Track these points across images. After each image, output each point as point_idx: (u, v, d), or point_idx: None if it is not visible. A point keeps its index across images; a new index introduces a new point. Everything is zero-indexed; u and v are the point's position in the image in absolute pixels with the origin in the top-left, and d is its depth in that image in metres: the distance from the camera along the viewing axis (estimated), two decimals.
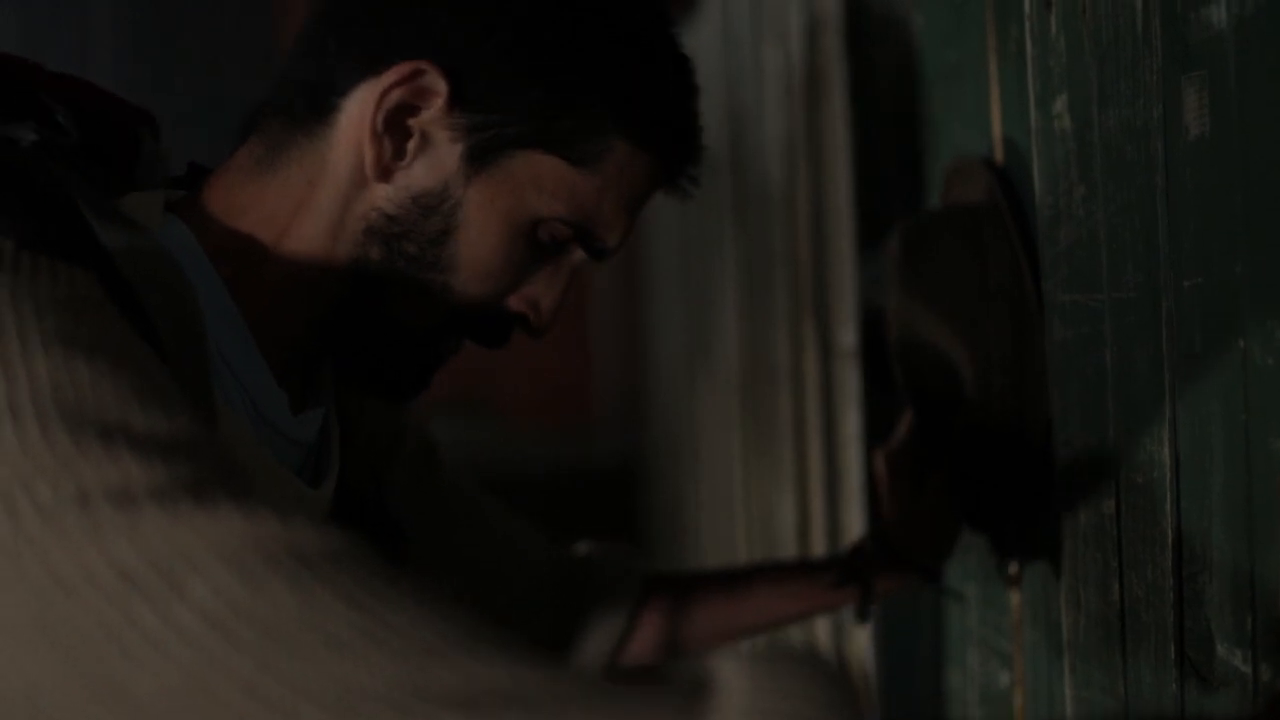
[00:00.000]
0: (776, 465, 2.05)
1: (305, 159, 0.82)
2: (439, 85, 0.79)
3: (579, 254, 0.86)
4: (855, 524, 1.57)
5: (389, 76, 0.79)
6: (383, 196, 0.81)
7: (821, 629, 1.80)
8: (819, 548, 1.79)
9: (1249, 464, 0.71)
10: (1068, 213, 0.93)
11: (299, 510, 0.71)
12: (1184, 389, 0.78)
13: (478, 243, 0.82)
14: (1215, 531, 0.76)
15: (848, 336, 1.57)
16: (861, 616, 1.22)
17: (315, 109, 0.82)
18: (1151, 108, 0.80)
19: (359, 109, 0.80)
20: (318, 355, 0.87)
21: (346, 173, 0.81)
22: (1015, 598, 1.16)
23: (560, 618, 1.16)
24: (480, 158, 0.81)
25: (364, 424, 1.00)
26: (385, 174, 0.81)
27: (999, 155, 1.12)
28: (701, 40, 2.79)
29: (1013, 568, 1.16)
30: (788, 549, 1.99)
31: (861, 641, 1.59)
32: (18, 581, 0.56)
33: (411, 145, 0.80)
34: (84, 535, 0.55)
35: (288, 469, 0.83)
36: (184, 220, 0.81)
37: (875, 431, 1.49)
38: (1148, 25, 0.80)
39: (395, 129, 0.80)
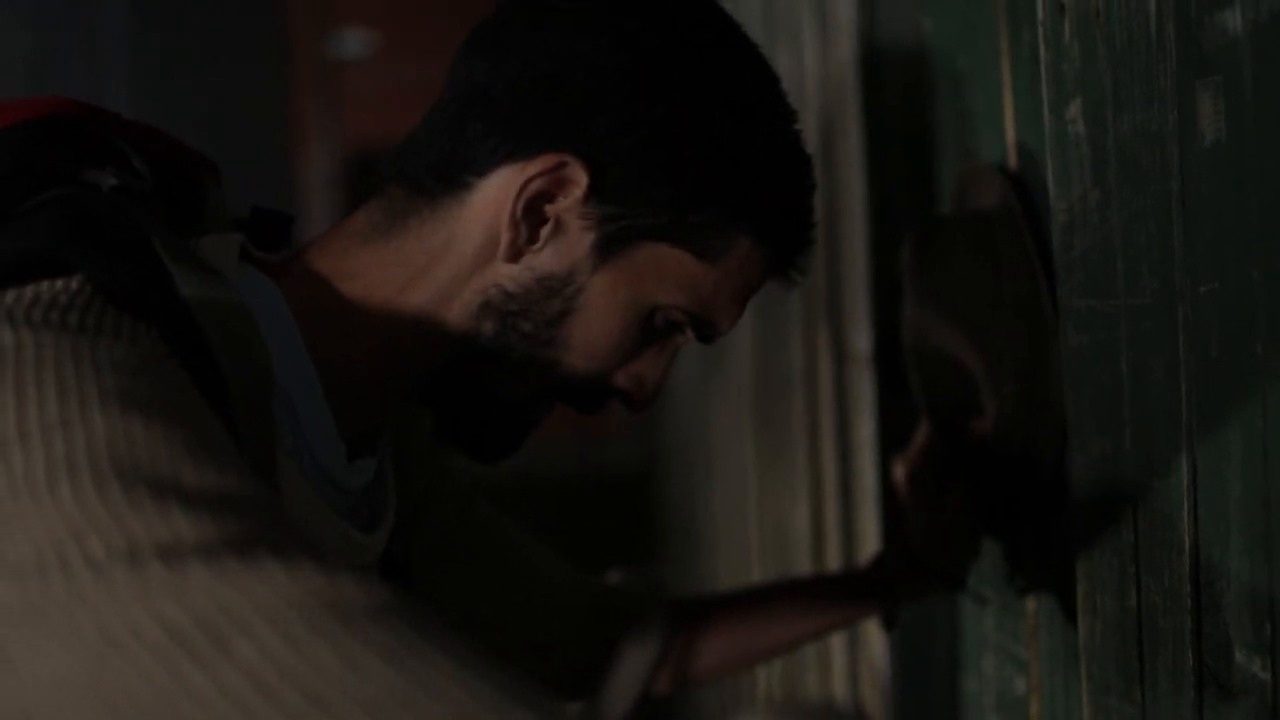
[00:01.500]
0: (790, 471, 2.05)
1: (426, 230, 0.83)
2: (580, 177, 0.81)
3: (688, 336, 0.88)
4: (870, 530, 1.57)
5: (535, 166, 0.81)
6: (506, 275, 0.83)
7: (837, 639, 1.79)
8: (833, 553, 1.78)
9: (1266, 471, 0.71)
10: (1082, 218, 0.93)
11: (346, 563, 0.72)
12: (1201, 395, 0.78)
13: (595, 326, 0.84)
14: (1233, 538, 0.75)
15: (861, 341, 1.56)
16: (889, 626, 1.22)
17: (447, 183, 0.83)
18: (1166, 113, 0.79)
19: (497, 192, 0.82)
20: (389, 413, 0.88)
21: (473, 250, 0.82)
22: (1031, 604, 1.16)
23: (592, 647, 1.17)
24: (610, 247, 0.82)
25: (412, 467, 1.00)
26: (515, 256, 0.82)
27: (1012, 160, 1.12)
28: None
29: (1020, 582, 1.15)
30: (801, 555, 1.99)
31: (877, 647, 1.58)
32: (71, 637, 0.56)
33: (545, 231, 0.82)
34: (133, 592, 0.56)
35: (339, 516, 0.83)
36: (276, 273, 0.82)
37: (890, 437, 1.49)
38: (1162, 30, 0.79)
39: (531, 214, 0.82)
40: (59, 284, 0.69)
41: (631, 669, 1.16)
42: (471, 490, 1.11)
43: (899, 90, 1.50)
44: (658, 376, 0.88)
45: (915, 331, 1.12)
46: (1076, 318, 0.95)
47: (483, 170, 0.82)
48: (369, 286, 0.83)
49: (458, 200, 0.83)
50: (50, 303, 0.68)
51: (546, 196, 0.81)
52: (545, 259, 0.82)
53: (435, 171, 0.83)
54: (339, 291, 0.82)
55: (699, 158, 0.83)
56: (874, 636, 1.59)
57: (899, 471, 1.20)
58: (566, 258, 0.82)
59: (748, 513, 2.45)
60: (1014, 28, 1.09)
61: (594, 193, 0.81)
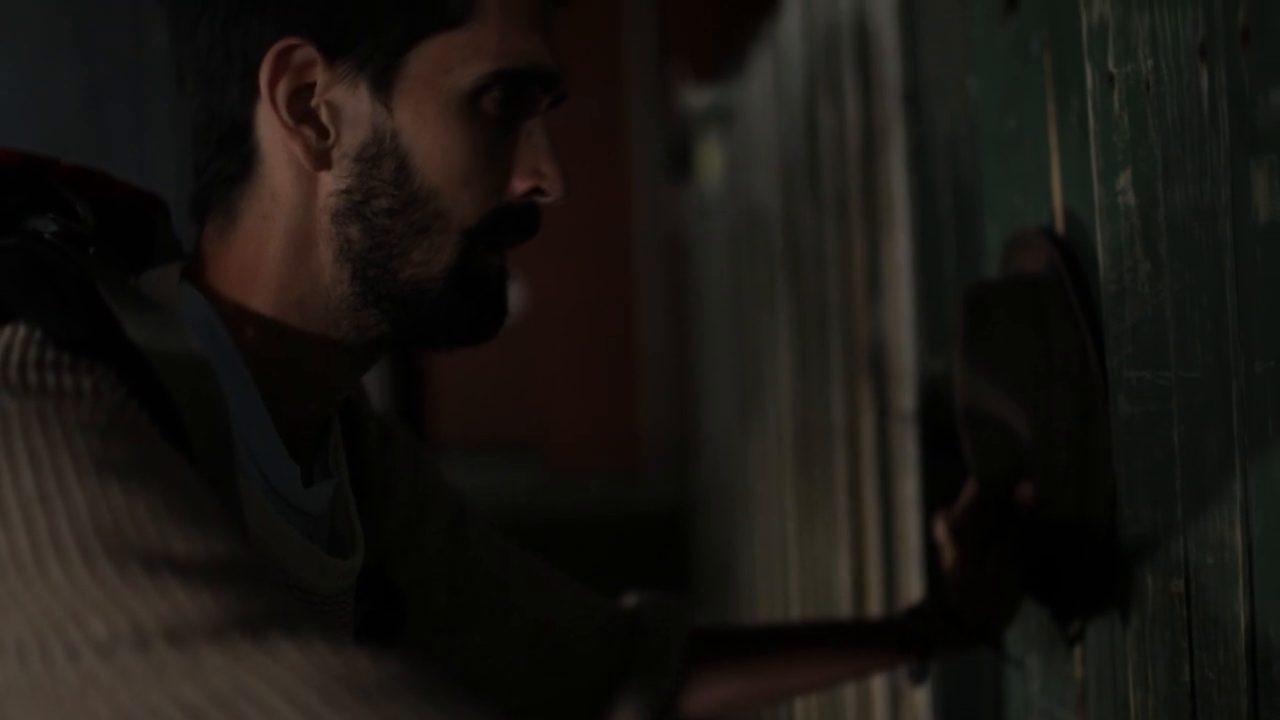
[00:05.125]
0: (831, 525, 2.04)
1: (252, 200, 0.83)
2: (308, 51, 0.80)
3: (540, 103, 0.85)
4: (913, 587, 1.56)
5: (264, 73, 0.80)
6: (332, 180, 0.82)
7: (879, 697, 1.78)
8: (875, 610, 1.77)
9: None
10: (1133, 289, 0.93)
11: (324, 589, 0.71)
12: (1257, 472, 0.77)
13: (436, 153, 0.82)
14: None
15: (906, 400, 1.56)
16: (918, 678, 1.21)
17: (237, 154, 0.83)
18: (1219, 189, 0.79)
19: (266, 124, 0.82)
20: (328, 422, 0.88)
21: (290, 184, 0.82)
22: (1079, 670, 1.14)
23: (607, 674, 1.15)
24: (383, 81, 0.81)
25: (384, 495, 1.00)
26: (323, 159, 0.81)
27: (1059, 224, 1.11)
28: (753, 96, 2.80)
29: (1074, 627, 1.14)
30: (843, 610, 1.98)
31: (919, 710, 1.57)
32: (88, 718, 0.56)
33: (326, 119, 0.81)
34: (146, 676, 0.56)
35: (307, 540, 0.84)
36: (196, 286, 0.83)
37: (933, 496, 1.48)
38: (1214, 106, 0.79)
39: (304, 116, 0.81)
40: (6, 332, 0.70)
41: (643, 695, 1.15)
42: (462, 510, 1.09)
43: (944, 148, 1.50)
44: (547, 157, 0.85)
45: (965, 395, 1.11)
46: (1128, 388, 0.95)
47: (248, 119, 0.82)
48: (241, 276, 0.83)
49: (254, 159, 0.82)
50: (4, 359, 0.68)
51: (303, 92, 0.81)
52: (348, 139, 0.81)
53: (224, 152, 0.83)
54: (226, 294, 0.83)
55: None
56: (918, 697, 1.58)
57: (941, 528, 1.19)
58: (362, 122, 0.81)
59: (788, 568, 2.44)
60: (1061, 94, 1.09)
61: (332, 54, 0.80)
